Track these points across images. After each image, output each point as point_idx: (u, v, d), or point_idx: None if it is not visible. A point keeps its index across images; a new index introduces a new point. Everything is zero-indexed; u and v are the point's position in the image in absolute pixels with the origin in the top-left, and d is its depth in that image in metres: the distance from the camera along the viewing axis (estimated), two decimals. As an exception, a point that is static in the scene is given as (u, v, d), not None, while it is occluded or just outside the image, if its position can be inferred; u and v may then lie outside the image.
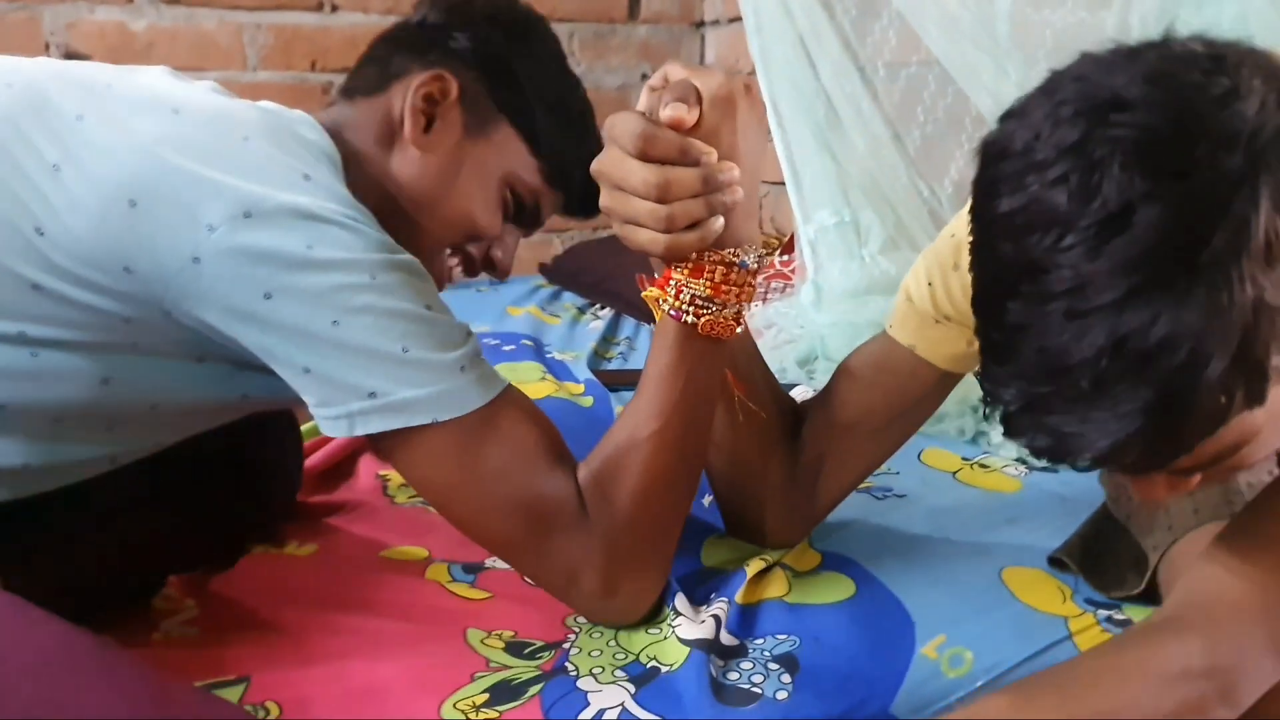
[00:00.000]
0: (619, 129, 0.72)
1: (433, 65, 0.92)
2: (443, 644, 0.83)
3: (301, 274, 0.73)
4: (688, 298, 0.76)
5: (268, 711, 0.75)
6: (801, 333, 1.63)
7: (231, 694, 0.77)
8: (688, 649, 0.80)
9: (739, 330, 0.80)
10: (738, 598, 0.87)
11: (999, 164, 0.56)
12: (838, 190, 1.76)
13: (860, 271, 1.71)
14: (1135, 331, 0.51)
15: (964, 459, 1.28)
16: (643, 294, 0.78)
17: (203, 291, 0.73)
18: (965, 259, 0.82)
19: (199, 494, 0.99)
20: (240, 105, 0.83)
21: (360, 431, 0.75)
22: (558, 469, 0.80)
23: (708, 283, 0.76)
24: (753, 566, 0.91)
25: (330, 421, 0.76)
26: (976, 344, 0.86)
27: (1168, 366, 0.51)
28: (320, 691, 0.77)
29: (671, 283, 0.77)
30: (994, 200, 0.56)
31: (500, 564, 0.95)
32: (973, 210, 0.59)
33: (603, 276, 1.98)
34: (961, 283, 0.84)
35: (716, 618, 0.83)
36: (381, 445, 0.78)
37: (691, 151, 0.71)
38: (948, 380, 0.91)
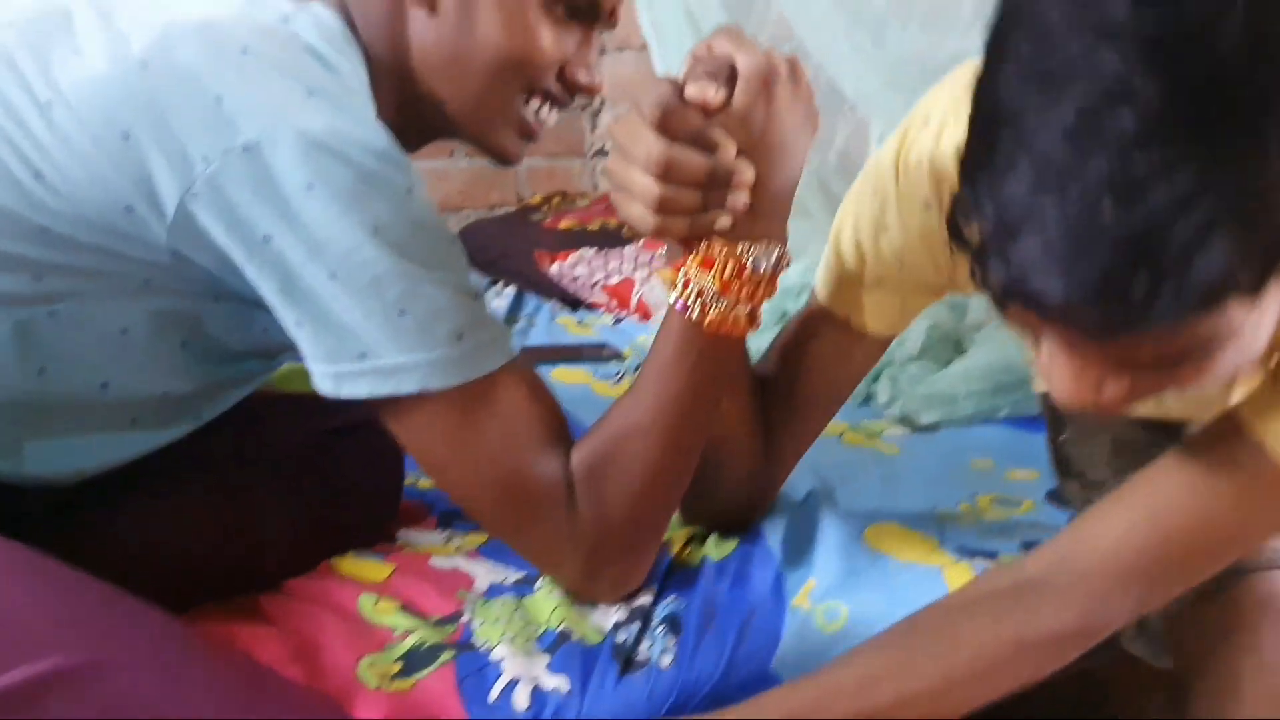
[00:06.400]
0: (642, 93, 0.67)
1: None
2: (340, 612, 0.83)
3: (300, 218, 0.68)
4: (695, 290, 0.72)
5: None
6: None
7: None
8: (602, 635, 0.80)
9: (753, 331, 0.74)
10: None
11: None
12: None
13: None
14: (1152, 173, 0.45)
15: (849, 425, 1.31)
16: (656, 271, 0.76)
17: (201, 230, 0.70)
18: (892, 215, 0.79)
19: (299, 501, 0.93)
20: (235, 10, 0.74)
21: (346, 393, 0.72)
22: (551, 453, 0.76)
23: (716, 277, 0.71)
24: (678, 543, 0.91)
25: (319, 378, 0.73)
26: (909, 304, 0.85)
27: (1170, 212, 0.45)
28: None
29: (681, 271, 0.72)
30: None
31: (412, 540, 0.96)
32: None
33: (501, 254, 1.98)
34: (891, 245, 0.81)
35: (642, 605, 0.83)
36: (378, 409, 0.74)
37: (706, 138, 0.67)
38: (887, 342, 0.90)
